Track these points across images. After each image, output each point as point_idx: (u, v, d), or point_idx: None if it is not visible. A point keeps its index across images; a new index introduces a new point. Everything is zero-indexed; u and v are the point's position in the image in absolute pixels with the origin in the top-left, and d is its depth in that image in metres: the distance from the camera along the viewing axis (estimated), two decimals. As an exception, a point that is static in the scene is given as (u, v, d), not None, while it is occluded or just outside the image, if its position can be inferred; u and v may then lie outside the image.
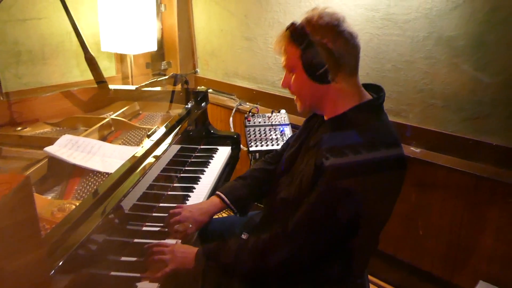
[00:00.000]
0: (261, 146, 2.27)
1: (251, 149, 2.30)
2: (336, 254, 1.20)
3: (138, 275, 1.21)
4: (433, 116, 1.95)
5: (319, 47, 1.15)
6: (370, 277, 2.27)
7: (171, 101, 2.20)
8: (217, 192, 1.53)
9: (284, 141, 1.90)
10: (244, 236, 1.56)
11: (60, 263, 0.98)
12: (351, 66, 1.19)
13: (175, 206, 1.49)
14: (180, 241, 1.38)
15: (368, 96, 1.23)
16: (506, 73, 1.70)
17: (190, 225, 1.42)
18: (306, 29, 1.17)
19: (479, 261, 1.89)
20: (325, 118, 1.27)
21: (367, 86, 1.28)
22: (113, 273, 1.22)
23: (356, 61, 1.20)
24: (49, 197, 1.30)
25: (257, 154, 2.36)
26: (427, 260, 2.09)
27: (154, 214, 1.53)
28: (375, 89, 1.28)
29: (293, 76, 1.23)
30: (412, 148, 2.02)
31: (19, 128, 1.80)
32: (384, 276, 2.28)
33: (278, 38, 1.24)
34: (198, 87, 2.35)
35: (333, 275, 1.26)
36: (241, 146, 2.32)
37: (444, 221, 1.97)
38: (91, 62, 2.08)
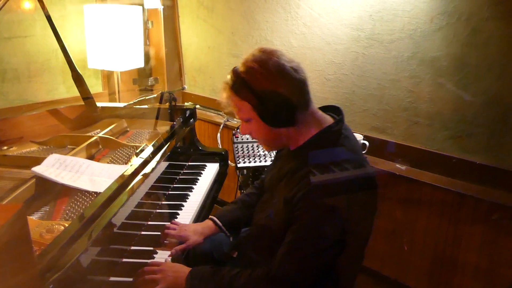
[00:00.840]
0: (249, 162, 2.28)
1: (239, 165, 2.31)
2: (324, 276, 1.21)
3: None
4: (418, 134, 1.99)
5: (269, 95, 1.14)
6: (357, 293, 2.28)
7: (158, 118, 2.20)
8: (210, 216, 1.57)
9: (273, 157, 1.92)
10: (233, 254, 1.57)
11: (51, 286, 0.97)
12: (305, 99, 1.20)
13: (168, 224, 1.51)
14: (170, 259, 1.38)
15: (327, 120, 1.24)
16: (487, 94, 1.76)
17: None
18: (249, 82, 1.16)
19: (463, 277, 1.92)
20: (291, 149, 1.29)
21: (327, 108, 1.31)
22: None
23: (307, 94, 1.20)
24: (37, 218, 1.29)
25: (245, 170, 2.37)
26: (412, 275, 2.11)
27: (142, 233, 1.52)
28: (335, 110, 1.30)
29: (251, 125, 1.24)
30: (397, 165, 2.06)
31: (5, 147, 1.78)
32: (371, 292, 2.30)
33: (223, 93, 1.23)
34: (186, 103, 2.35)
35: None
36: (229, 162, 2.32)
37: (428, 237, 2.01)
38: (78, 80, 2.07)
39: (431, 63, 1.87)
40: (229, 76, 1.22)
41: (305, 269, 1.16)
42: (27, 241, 0.60)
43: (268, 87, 1.14)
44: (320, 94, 2.31)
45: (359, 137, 2.12)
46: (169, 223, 1.53)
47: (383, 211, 2.12)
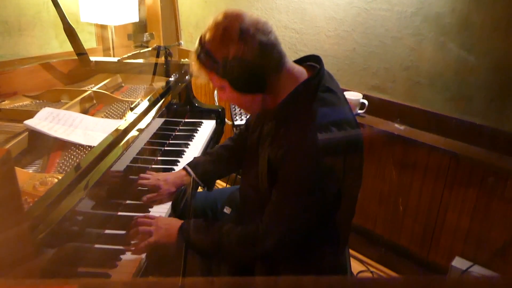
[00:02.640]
0: (246, 119, 2.25)
1: (236, 123, 2.29)
2: (316, 232, 1.21)
3: (122, 247, 1.20)
4: (418, 94, 1.96)
5: (234, 64, 1.09)
6: (351, 251, 2.32)
7: (154, 74, 2.15)
8: (184, 166, 1.55)
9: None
10: (226, 210, 1.57)
11: (43, 237, 0.97)
12: (276, 62, 1.14)
13: (142, 175, 1.51)
14: (164, 214, 1.39)
15: (304, 75, 1.19)
16: (491, 56, 1.71)
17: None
18: (212, 52, 1.11)
19: (455, 239, 1.94)
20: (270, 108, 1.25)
21: (308, 58, 1.25)
22: (97, 245, 1.21)
23: (279, 55, 1.14)
24: (31, 171, 1.27)
25: (242, 127, 2.35)
26: (405, 237, 2.14)
27: (138, 188, 1.51)
28: (315, 60, 1.24)
29: (226, 92, 1.19)
30: (396, 125, 2.03)
31: (-3, 101, 1.74)
32: (363, 251, 2.33)
33: (193, 64, 1.18)
34: (182, 60, 2.30)
35: (315, 253, 1.27)
36: (226, 120, 2.30)
37: (423, 199, 2.01)
38: (71, 33, 2.00)
39: (435, 20, 1.81)
40: (196, 46, 1.17)
41: (292, 226, 1.15)
42: (13, 186, 0.58)
43: (232, 55, 1.09)
44: (319, 51, 2.25)
45: (358, 96, 2.09)
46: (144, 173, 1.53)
47: (379, 172, 2.12)
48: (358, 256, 2.33)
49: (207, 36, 1.12)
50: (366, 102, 2.09)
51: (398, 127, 2.03)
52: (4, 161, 0.54)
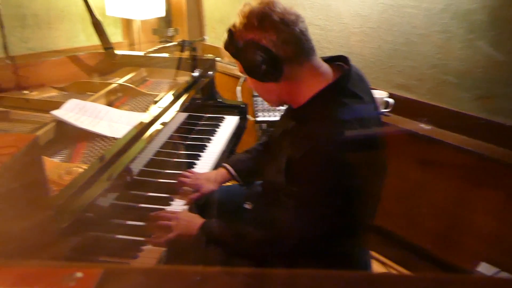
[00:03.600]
0: (269, 116, 2.25)
1: (258, 119, 2.29)
2: (335, 232, 1.19)
3: (143, 239, 1.22)
4: (445, 92, 1.92)
5: (250, 48, 1.10)
6: (373, 253, 2.29)
7: (178, 68, 2.17)
8: (224, 164, 1.57)
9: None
10: (247, 206, 1.57)
11: (67, 225, 0.98)
12: (297, 54, 1.12)
13: (183, 172, 1.52)
14: (186, 208, 1.40)
15: (331, 75, 1.17)
16: (523, 52, 1.66)
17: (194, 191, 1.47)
18: (234, 35, 1.13)
19: (480, 243, 1.89)
20: (293, 107, 1.23)
21: (336, 58, 1.23)
22: (119, 236, 1.23)
23: (301, 47, 1.12)
24: (57, 160, 1.30)
25: (265, 124, 2.34)
26: (427, 238, 2.09)
27: (160, 180, 1.53)
28: (343, 61, 1.22)
29: (248, 79, 1.21)
30: (422, 125, 1.99)
31: (26, 92, 1.78)
32: (384, 252, 2.30)
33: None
34: (206, 55, 2.31)
35: (335, 253, 1.26)
36: (248, 116, 2.30)
37: (447, 200, 1.97)
38: (98, 27, 2.04)
39: (465, 17, 1.77)
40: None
41: (310, 230, 1.13)
42: (40, 172, 0.60)
43: (250, 39, 1.10)
44: (344, 48, 2.23)
45: (383, 94, 2.06)
46: (184, 172, 1.53)
47: (402, 171, 2.08)
48: (379, 257, 2.29)
49: (238, 18, 1.14)
50: (391, 100, 2.06)
51: (424, 127, 1.99)
52: (32, 147, 0.55)
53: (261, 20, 1.09)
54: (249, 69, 1.13)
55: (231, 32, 1.14)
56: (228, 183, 1.64)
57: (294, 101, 1.19)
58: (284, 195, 1.19)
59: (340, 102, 1.12)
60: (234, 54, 1.15)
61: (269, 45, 1.08)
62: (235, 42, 1.13)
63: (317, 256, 1.21)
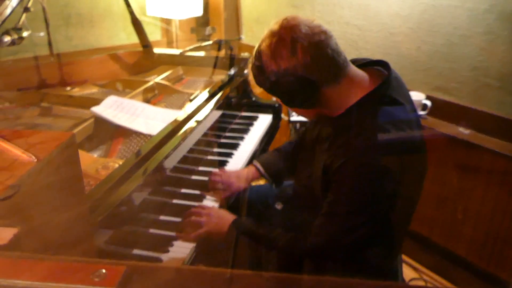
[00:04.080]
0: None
1: (292, 119, 2.28)
2: (369, 241, 1.17)
3: (174, 234, 1.24)
4: (486, 96, 1.85)
5: (284, 80, 1.05)
6: (404, 257, 2.25)
7: (214, 67, 2.19)
8: (254, 162, 1.58)
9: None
10: (278, 206, 1.57)
11: (103, 218, 1.02)
12: (334, 74, 1.07)
13: (214, 171, 1.54)
14: (217, 205, 1.42)
15: (368, 82, 1.12)
16: None
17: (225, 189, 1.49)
18: (264, 66, 1.07)
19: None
20: (331, 115, 1.18)
21: (374, 62, 1.19)
22: (151, 230, 1.26)
23: (336, 66, 1.06)
24: (95, 155, 1.34)
25: (298, 124, 2.34)
26: (463, 245, 2.03)
27: (193, 177, 1.56)
28: (383, 64, 1.17)
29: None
30: (460, 129, 1.93)
31: (69, 88, 1.86)
32: (417, 258, 2.25)
33: (249, 72, 1.18)
34: (242, 54, 2.33)
35: (366, 261, 1.24)
36: (282, 115, 2.30)
37: (485, 207, 1.90)
38: (137, 25, 2.10)
39: (510, 18, 1.70)
40: (253, 55, 1.14)
41: (341, 242, 1.12)
42: (76, 168, 0.62)
43: (283, 70, 1.04)
44: (381, 49, 2.19)
45: (420, 97, 2.01)
46: (215, 170, 1.56)
47: (438, 176, 2.02)
48: (412, 263, 2.24)
49: (262, 46, 1.09)
50: (429, 103, 2.00)
51: (463, 131, 1.93)
52: (69, 144, 0.58)
53: (290, 49, 1.03)
54: (288, 101, 1.11)
55: (258, 67, 1.09)
56: (258, 182, 1.65)
57: (332, 111, 1.15)
58: (316, 199, 1.18)
59: (381, 110, 1.08)
60: (270, 90, 1.10)
61: (304, 72, 1.04)
62: (267, 76, 1.08)
63: (349, 261, 1.20)
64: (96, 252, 1.00)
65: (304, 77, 1.04)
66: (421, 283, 2.13)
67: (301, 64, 1.03)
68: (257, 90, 1.21)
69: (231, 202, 1.51)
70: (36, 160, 0.53)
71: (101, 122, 1.49)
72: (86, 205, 0.74)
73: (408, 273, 2.18)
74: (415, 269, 2.22)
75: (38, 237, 0.55)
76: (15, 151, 0.54)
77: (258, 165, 1.55)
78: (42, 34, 1.87)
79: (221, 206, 1.45)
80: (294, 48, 1.03)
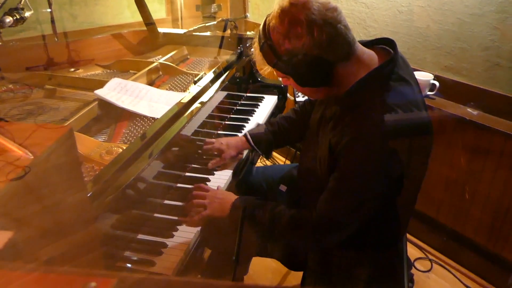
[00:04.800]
0: (308, 97, 2.22)
1: (297, 99, 2.26)
2: (375, 220, 1.16)
3: (179, 218, 1.25)
4: (497, 76, 1.81)
5: (300, 59, 1.02)
6: (410, 236, 2.25)
7: (219, 47, 2.17)
8: (245, 133, 1.60)
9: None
10: (282, 188, 1.57)
11: (107, 203, 1.03)
12: (345, 53, 1.05)
13: (207, 140, 1.59)
14: (221, 186, 1.42)
15: (375, 60, 1.10)
16: None
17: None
18: (275, 45, 1.04)
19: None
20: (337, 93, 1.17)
21: (379, 40, 1.16)
22: (156, 215, 1.27)
23: (348, 45, 1.04)
24: (100, 139, 1.34)
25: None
26: (470, 227, 2.02)
27: (198, 161, 1.55)
28: (388, 43, 1.14)
29: (289, 80, 1.13)
30: (469, 110, 1.90)
31: (72, 69, 1.85)
32: (424, 238, 2.25)
33: (255, 52, 1.12)
34: (248, 32, 2.28)
35: (372, 240, 1.24)
36: (288, 95, 2.27)
37: (494, 189, 1.88)
38: (140, 3, 2.06)
39: (524, -4, 1.64)
40: (257, 35, 1.11)
41: (347, 217, 1.12)
42: (75, 162, 0.62)
43: (297, 50, 1.02)
44: (390, 28, 2.14)
45: (429, 77, 1.97)
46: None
47: (446, 157, 2.00)
48: (418, 243, 2.25)
49: (271, 24, 1.06)
50: (437, 83, 1.97)
51: (471, 112, 1.89)
52: (67, 138, 0.57)
53: (306, 27, 1.01)
54: (300, 80, 1.09)
55: (270, 41, 1.06)
56: (261, 164, 1.65)
57: (340, 90, 1.13)
58: (321, 181, 1.17)
59: (387, 86, 1.07)
60: (281, 69, 1.08)
61: (318, 51, 1.02)
62: (279, 55, 1.05)
63: (350, 242, 1.20)
64: (102, 239, 1.01)
65: (318, 55, 1.02)
66: (427, 262, 2.14)
67: (316, 43, 1.01)
68: (261, 68, 1.17)
69: (240, 178, 1.52)
70: (32, 156, 0.53)
71: (105, 105, 1.49)
72: (86, 198, 0.74)
73: (414, 252, 2.19)
74: (420, 248, 2.22)
75: (37, 233, 0.55)
76: (11, 147, 0.54)
77: (249, 136, 1.58)
78: (48, 10, 1.86)
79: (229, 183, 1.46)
80: (310, 27, 1.01)
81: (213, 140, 1.58)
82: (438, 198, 2.11)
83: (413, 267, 2.11)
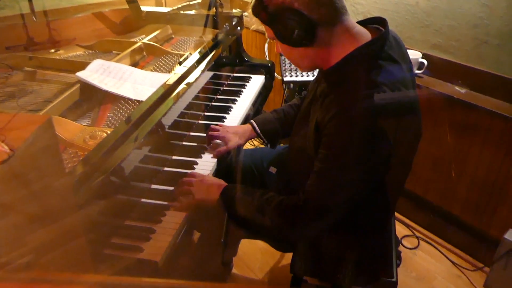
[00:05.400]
0: (296, 76, 2.19)
1: (285, 79, 2.23)
2: (364, 202, 1.15)
3: (167, 203, 1.23)
4: (485, 54, 1.80)
5: (282, 12, 1.02)
6: (397, 214, 2.28)
7: (205, 26, 2.11)
8: (251, 121, 1.57)
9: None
10: (271, 170, 1.56)
11: (93, 189, 1.00)
12: (332, 15, 1.04)
13: (213, 125, 1.55)
14: (211, 173, 1.40)
15: (365, 36, 1.09)
16: None
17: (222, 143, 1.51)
18: (262, 0, 1.05)
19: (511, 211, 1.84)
20: (323, 69, 1.16)
21: (372, 20, 1.15)
22: (143, 200, 1.25)
23: (334, 7, 1.04)
24: (83, 124, 1.30)
25: (292, 84, 2.29)
26: (457, 204, 2.05)
27: (184, 143, 1.53)
28: (380, 23, 1.14)
29: (278, 43, 1.13)
30: (456, 88, 1.90)
31: (53, 50, 1.78)
32: (411, 216, 2.28)
33: (250, 12, 1.11)
34: (234, 10, 2.23)
35: (362, 222, 1.24)
36: (276, 75, 2.24)
37: (480, 168, 1.90)
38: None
39: (514, -28, 1.62)
40: None
41: (334, 200, 1.10)
42: (55, 153, 0.59)
43: (282, 2, 1.02)
44: (378, 5, 2.11)
45: (417, 55, 1.96)
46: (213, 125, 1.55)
47: (434, 136, 2.01)
48: (405, 220, 2.28)
49: None
50: (425, 62, 1.96)
51: (459, 90, 1.89)
52: (46, 128, 0.54)
53: None
54: (283, 35, 1.07)
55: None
56: (252, 146, 1.63)
57: (326, 63, 1.12)
58: (311, 162, 1.16)
59: (375, 64, 1.05)
60: (265, 21, 1.08)
61: (302, 8, 1.01)
62: (265, 7, 1.05)
63: (343, 221, 1.19)
64: (88, 226, 0.99)
65: (299, 10, 1.02)
66: (414, 240, 2.18)
67: (299, 0, 1.01)
68: (252, 24, 1.16)
69: (225, 165, 1.49)
70: (9, 150, 0.50)
71: (87, 88, 1.44)
72: (68, 188, 0.72)
73: (401, 230, 2.22)
74: (408, 226, 2.25)
75: (19, 228, 0.53)
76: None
77: (255, 124, 1.55)
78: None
79: (218, 163, 1.44)
80: None
81: (218, 127, 1.54)
82: (425, 177, 2.13)
83: (400, 245, 2.14)
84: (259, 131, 1.55)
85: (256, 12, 1.08)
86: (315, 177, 1.10)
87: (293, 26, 1.03)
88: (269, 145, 1.59)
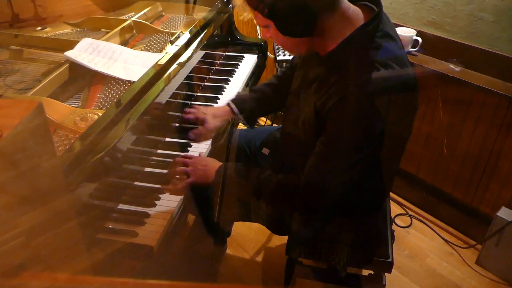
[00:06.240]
0: (289, 55, 2.16)
1: (278, 58, 2.20)
2: (361, 183, 1.14)
3: (161, 187, 1.21)
4: (480, 31, 1.78)
5: (283, 3, 0.98)
6: (391, 194, 2.28)
7: (194, 2, 2.06)
8: (229, 102, 1.53)
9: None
10: (264, 152, 1.55)
11: (85, 173, 0.98)
12: (331, 3, 1.01)
13: (187, 109, 1.50)
14: (203, 153, 1.38)
15: (360, 17, 1.06)
16: None
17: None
18: None
19: (504, 188, 1.86)
20: (320, 54, 1.13)
21: None
22: (137, 183, 1.23)
23: None
24: (72, 105, 1.27)
25: (284, 63, 2.26)
26: (449, 182, 2.06)
27: (177, 125, 1.50)
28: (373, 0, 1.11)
29: (270, 31, 1.08)
30: (451, 66, 1.88)
31: (39, 28, 1.72)
32: (403, 194, 2.29)
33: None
34: (225, -13, 2.18)
35: (358, 204, 1.24)
36: (268, 54, 2.20)
37: (473, 145, 1.90)
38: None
39: None
40: None
41: (336, 180, 1.10)
42: (47, 139, 0.57)
43: None
44: (373, -19, 2.06)
45: (411, 32, 1.93)
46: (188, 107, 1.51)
47: (427, 113, 2.00)
48: (398, 199, 2.29)
49: None
50: (419, 39, 1.93)
51: (453, 68, 1.88)
52: (37, 113, 0.52)
53: None
54: (284, 27, 1.03)
55: None
56: (244, 127, 1.61)
57: (322, 48, 1.10)
58: (304, 144, 1.15)
59: (374, 43, 1.03)
60: (266, 14, 1.02)
61: None
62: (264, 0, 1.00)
63: (341, 201, 1.19)
64: (80, 209, 0.97)
65: (301, 3, 0.98)
66: (407, 218, 2.19)
67: None
68: (241, 15, 1.11)
69: (219, 145, 1.48)
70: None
71: (76, 68, 1.40)
72: (60, 174, 0.69)
73: (394, 209, 2.23)
74: (401, 205, 2.27)
75: (10, 211, 0.51)
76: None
77: (233, 105, 1.51)
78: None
79: (208, 151, 1.42)
80: None
81: (194, 109, 1.49)
82: (418, 155, 2.13)
83: (393, 224, 2.16)
84: (237, 111, 1.51)
85: (254, 5, 1.03)
86: (317, 159, 1.09)
87: (293, 18, 1.00)
88: (248, 126, 1.56)
